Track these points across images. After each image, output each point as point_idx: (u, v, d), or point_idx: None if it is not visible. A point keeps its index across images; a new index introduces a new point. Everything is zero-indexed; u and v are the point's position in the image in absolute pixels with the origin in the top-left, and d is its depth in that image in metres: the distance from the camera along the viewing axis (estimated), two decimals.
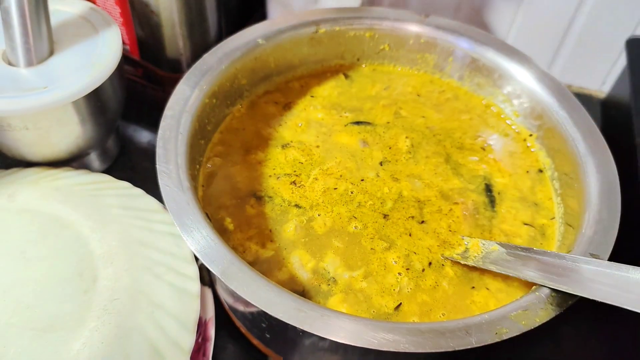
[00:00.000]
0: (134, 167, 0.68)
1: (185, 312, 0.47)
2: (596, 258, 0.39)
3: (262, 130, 0.53)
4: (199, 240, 0.38)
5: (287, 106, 0.56)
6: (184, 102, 0.47)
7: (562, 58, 0.78)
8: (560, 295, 0.37)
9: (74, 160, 0.61)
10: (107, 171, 0.66)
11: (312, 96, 0.57)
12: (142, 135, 0.72)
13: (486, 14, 0.78)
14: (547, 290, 0.38)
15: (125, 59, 0.68)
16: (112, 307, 0.45)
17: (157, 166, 0.42)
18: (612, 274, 0.36)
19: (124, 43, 0.67)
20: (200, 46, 0.68)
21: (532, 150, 0.54)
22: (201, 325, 0.50)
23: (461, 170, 0.52)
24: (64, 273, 0.47)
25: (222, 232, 0.45)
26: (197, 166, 0.48)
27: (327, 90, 0.58)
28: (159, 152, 0.43)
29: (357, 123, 0.54)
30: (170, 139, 0.44)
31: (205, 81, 0.49)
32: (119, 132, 0.69)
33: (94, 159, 0.65)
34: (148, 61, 0.69)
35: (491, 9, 0.77)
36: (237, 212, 0.47)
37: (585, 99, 0.77)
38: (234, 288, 0.36)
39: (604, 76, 0.77)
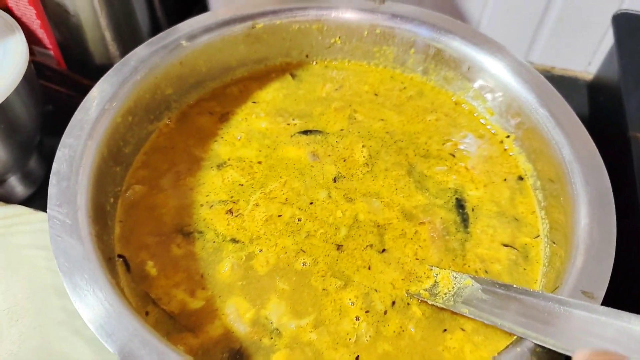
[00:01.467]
0: None
1: None
2: (589, 297, 0.32)
3: (194, 148, 0.45)
4: (94, 306, 0.31)
5: (224, 117, 0.48)
6: (88, 124, 0.39)
7: (542, 37, 0.70)
8: (547, 351, 0.30)
9: None
10: (31, 197, 0.58)
11: (253, 102, 0.49)
12: None
13: None
14: (531, 344, 0.31)
15: (48, 67, 0.60)
16: None
17: (48, 211, 0.34)
18: (609, 324, 0.28)
19: (46, 48, 0.59)
20: (132, 49, 0.59)
21: (510, 154, 0.46)
22: None
23: (427, 183, 0.44)
24: None
25: (142, 279, 0.38)
26: (112, 199, 0.40)
27: (271, 93, 0.50)
28: (51, 192, 0.35)
29: (306, 132, 0.47)
30: (68, 174, 0.36)
31: (117, 96, 0.41)
32: (43, 150, 0.61)
33: (14, 184, 0.56)
34: (74, 70, 0.60)
35: None
36: (161, 253, 0.39)
37: (569, 82, 0.70)
38: None
39: (589, 56, 0.70)
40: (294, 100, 0.49)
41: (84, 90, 0.61)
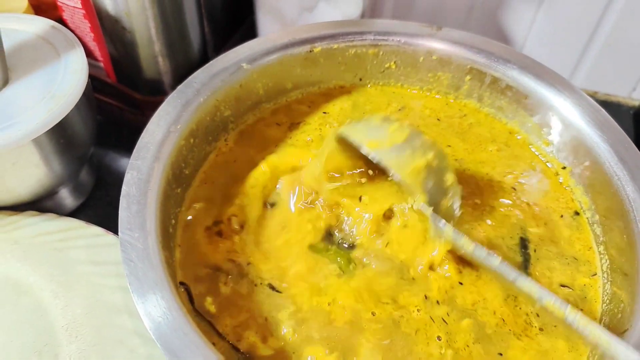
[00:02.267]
0: (112, 202, 0.60)
1: None
2: None
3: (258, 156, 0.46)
4: (168, 334, 0.31)
5: (294, 126, 0.48)
6: (154, 146, 0.39)
7: (587, 62, 0.70)
8: None
9: (40, 201, 0.54)
10: (80, 208, 0.59)
11: (324, 112, 0.49)
12: (121, 164, 0.64)
13: (501, 16, 0.70)
14: None
15: (99, 81, 0.61)
16: None
17: (120, 234, 0.34)
18: None
19: (97, 60, 0.60)
20: (182, 65, 0.60)
21: (565, 187, 0.46)
22: None
23: (495, 215, 0.44)
24: (19, 352, 0.40)
25: (205, 312, 0.38)
26: (173, 220, 0.40)
27: (339, 105, 0.50)
28: (122, 215, 0.35)
29: None
30: (137, 197, 0.36)
31: (180, 118, 0.41)
32: (93, 161, 0.61)
33: (65, 196, 0.57)
34: (124, 83, 0.61)
35: (507, 10, 0.69)
36: (213, 288, 0.39)
37: (613, 108, 0.69)
38: None
39: (634, 82, 0.69)
40: (362, 114, 0.49)
41: (133, 103, 0.63)
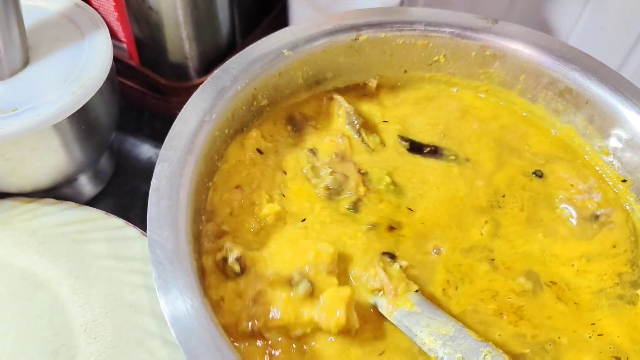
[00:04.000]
0: (132, 191, 0.57)
1: None
2: None
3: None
4: (200, 349, 0.28)
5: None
6: (187, 137, 0.36)
7: (634, 60, 0.66)
8: None
9: (59, 187, 0.51)
10: (99, 196, 0.56)
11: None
12: (142, 150, 0.61)
13: (545, 9, 0.66)
14: None
15: (121, 63, 0.58)
16: None
17: (148, 233, 0.31)
18: None
19: (120, 41, 0.56)
20: (209, 49, 0.57)
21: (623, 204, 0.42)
22: None
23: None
24: (34, 351, 0.37)
25: None
26: (204, 217, 0.37)
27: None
28: (151, 211, 0.32)
29: None
30: (168, 192, 0.33)
31: (216, 107, 0.38)
32: (113, 147, 0.58)
33: (84, 183, 0.54)
34: (148, 66, 0.58)
35: (552, 2, 0.65)
36: None
37: None
38: None
39: None
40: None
41: (156, 88, 0.59)
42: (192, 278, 0.30)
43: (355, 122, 0.44)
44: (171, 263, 0.30)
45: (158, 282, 0.30)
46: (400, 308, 0.34)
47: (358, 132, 0.44)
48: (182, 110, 0.37)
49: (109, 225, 0.46)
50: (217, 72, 0.40)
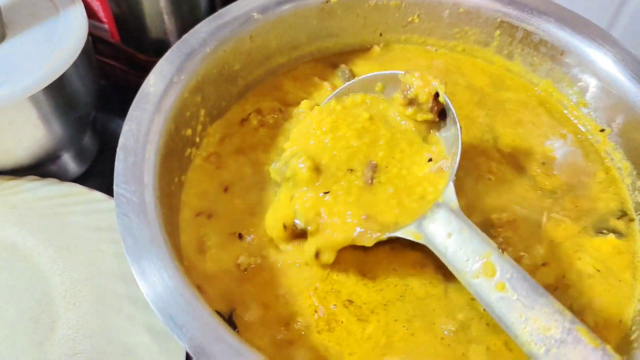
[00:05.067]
0: None
1: None
2: None
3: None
4: (164, 295, 0.28)
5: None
6: (155, 97, 0.36)
7: (622, 21, 0.65)
8: None
9: (43, 165, 0.51)
10: (84, 175, 0.56)
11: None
12: None
13: None
14: None
15: (102, 41, 0.58)
16: None
17: (115, 188, 0.31)
18: None
19: (100, 22, 0.57)
20: (189, 24, 0.55)
21: (601, 154, 0.42)
22: None
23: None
24: (14, 319, 0.38)
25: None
26: (176, 179, 0.37)
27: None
28: (117, 167, 0.32)
29: None
30: (135, 148, 0.33)
31: (184, 69, 0.38)
32: (97, 126, 0.58)
33: (67, 161, 0.55)
34: (129, 44, 0.58)
35: None
36: None
37: None
38: None
39: None
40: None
41: (138, 66, 0.59)
42: (158, 229, 0.30)
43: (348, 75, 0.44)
44: (137, 215, 0.30)
45: (123, 235, 0.30)
46: None
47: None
48: (151, 72, 0.37)
49: (91, 199, 0.46)
50: (186, 35, 0.40)
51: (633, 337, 0.33)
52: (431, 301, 0.34)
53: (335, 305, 0.33)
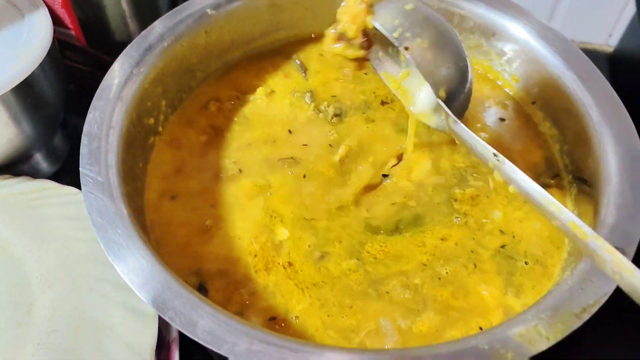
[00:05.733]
0: None
1: (140, 336, 0.40)
2: (621, 252, 0.31)
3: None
4: (127, 259, 0.31)
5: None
6: (117, 87, 0.39)
7: (561, 10, 0.69)
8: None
9: (15, 165, 0.53)
10: (56, 174, 0.58)
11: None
12: None
13: None
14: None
15: (70, 46, 0.60)
16: (49, 341, 0.38)
17: (81, 169, 0.34)
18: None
19: (67, 28, 0.59)
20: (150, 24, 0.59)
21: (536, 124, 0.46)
22: (163, 348, 0.43)
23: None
24: None
25: None
26: (140, 163, 0.40)
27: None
28: (82, 152, 0.35)
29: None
30: (99, 134, 0.36)
31: (144, 61, 0.41)
32: (67, 128, 0.61)
33: (39, 160, 0.57)
34: (95, 46, 0.61)
35: None
36: None
37: (590, 56, 0.69)
38: (169, 320, 0.28)
39: (610, 28, 0.69)
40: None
41: (105, 67, 0.61)
42: (122, 204, 0.33)
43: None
44: (102, 192, 0.33)
45: (89, 209, 0.33)
46: None
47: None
48: (112, 66, 0.40)
49: (63, 193, 0.49)
50: (144, 32, 0.43)
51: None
52: None
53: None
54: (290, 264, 0.37)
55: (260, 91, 0.46)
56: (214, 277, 0.36)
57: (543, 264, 0.38)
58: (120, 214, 0.32)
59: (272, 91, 0.45)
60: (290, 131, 0.44)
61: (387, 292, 0.36)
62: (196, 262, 0.37)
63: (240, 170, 0.41)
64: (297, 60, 0.49)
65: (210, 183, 0.41)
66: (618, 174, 0.37)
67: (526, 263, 0.38)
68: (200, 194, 0.40)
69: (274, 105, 0.46)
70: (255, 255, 0.37)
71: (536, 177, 0.42)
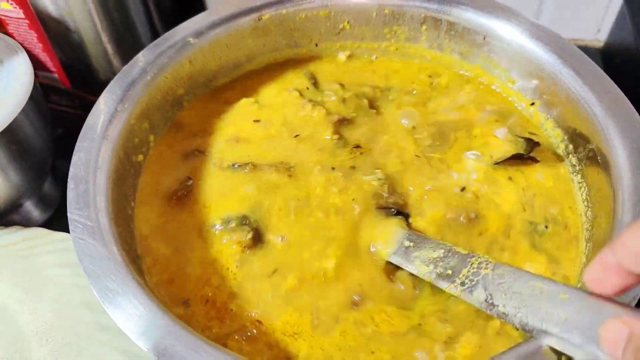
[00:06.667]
0: None
1: None
2: None
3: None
4: (124, 306, 0.29)
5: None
6: (101, 126, 0.38)
7: (547, 8, 0.68)
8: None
9: (6, 215, 0.52)
10: (49, 220, 0.57)
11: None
12: None
13: None
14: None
15: (55, 90, 0.59)
16: None
17: (69, 214, 0.33)
18: None
19: (50, 71, 0.58)
20: None
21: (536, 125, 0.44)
22: None
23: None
24: None
25: None
26: (132, 203, 0.39)
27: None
28: (69, 196, 0.33)
29: None
30: (85, 176, 0.34)
31: (128, 97, 0.40)
32: (58, 173, 0.59)
33: (30, 209, 0.55)
34: (79, 87, 0.59)
35: None
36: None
37: None
38: None
39: (598, 23, 0.68)
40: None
41: (90, 107, 0.61)
42: (114, 247, 0.31)
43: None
44: (92, 237, 0.31)
45: (80, 256, 0.31)
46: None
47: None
48: (95, 104, 0.39)
49: (55, 239, 0.47)
50: (125, 67, 0.42)
51: None
52: None
53: None
54: None
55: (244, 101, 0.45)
56: None
57: None
58: (114, 258, 0.31)
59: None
60: None
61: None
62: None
63: None
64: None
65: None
66: (630, 169, 0.35)
67: None
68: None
69: None
70: None
71: None
